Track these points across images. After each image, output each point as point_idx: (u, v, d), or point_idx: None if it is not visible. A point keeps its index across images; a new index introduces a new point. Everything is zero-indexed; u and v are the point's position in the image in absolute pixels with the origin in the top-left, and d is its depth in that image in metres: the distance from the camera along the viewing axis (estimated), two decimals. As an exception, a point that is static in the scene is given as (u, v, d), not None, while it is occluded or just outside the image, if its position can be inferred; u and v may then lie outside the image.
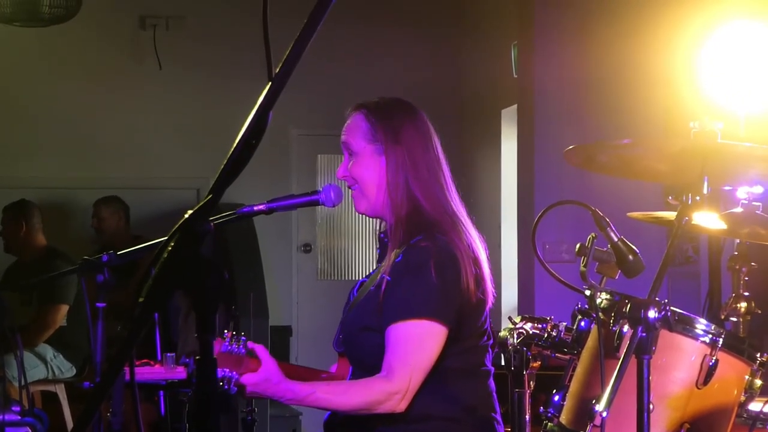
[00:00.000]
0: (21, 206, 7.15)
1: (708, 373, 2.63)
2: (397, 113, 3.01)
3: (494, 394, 3.00)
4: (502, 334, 2.91)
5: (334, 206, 2.94)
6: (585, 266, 2.68)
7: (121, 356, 1.61)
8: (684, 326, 2.64)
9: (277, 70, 1.61)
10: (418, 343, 2.82)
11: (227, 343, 2.78)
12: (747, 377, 2.73)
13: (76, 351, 6.83)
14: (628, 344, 2.33)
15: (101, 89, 8.65)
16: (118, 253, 3.36)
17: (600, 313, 2.67)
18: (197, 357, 1.59)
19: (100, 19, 8.50)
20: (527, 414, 2.89)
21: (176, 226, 1.58)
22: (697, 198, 2.58)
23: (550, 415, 2.80)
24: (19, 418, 4.44)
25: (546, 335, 2.86)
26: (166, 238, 1.58)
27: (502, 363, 2.91)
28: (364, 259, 9.17)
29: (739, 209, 3.08)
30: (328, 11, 1.62)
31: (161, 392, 4.58)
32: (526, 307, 6.60)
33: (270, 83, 1.61)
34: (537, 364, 2.89)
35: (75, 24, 7.37)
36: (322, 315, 8.61)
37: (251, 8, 4.67)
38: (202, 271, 1.57)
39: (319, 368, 3.23)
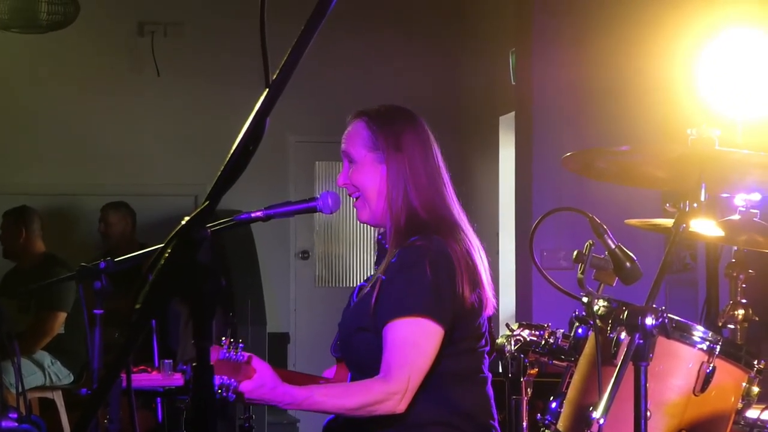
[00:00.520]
0: (21, 212, 7.12)
1: (705, 381, 2.62)
2: (399, 121, 3.01)
3: (492, 400, 3.00)
4: (499, 341, 2.91)
5: (331, 213, 2.95)
6: (582, 273, 2.68)
7: (119, 363, 1.61)
8: (681, 333, 2.64)
9: (275, 76, 1.61)
10: (414, 344, 2.82)
11: (225, 350, 2.78)
12: (744, 384, 2.72)
13: (74, 358, 6.82)
14: (626, 351, 2.33)
15: (99, 95, 8.64)
16: (116, 259, 3.35)
17: (597, 320, 2.67)
18: (194, 364, 1.58)
19: (99, 25, 8.50)
20: (525, 421, 2.89)
21: (173, 232, 1.58)
22: (695, 205, 2.58)
23: (547, 422, 2.79)
24: (17, 425, 4.43)
25: (543, 342, 2.86)
26: (162, 244, 1.58)
27: (500, 370, 2.91)
28: (361, 265, 9.16)
29: (736, 216, 3.09)
30: (326, 18, 1.62)
31: (159, 399, 4.58)
32: (523, 314, 6.59)
33: (267, 90, 1.61)
34: (534, 371, 2.90)
35: (73, 30, 7.38)
36: (320, 322, 8.60)
37: (249, 15, 4.66)
38: (199, 278, 1.57)
39: (317, 375, 3.22)
